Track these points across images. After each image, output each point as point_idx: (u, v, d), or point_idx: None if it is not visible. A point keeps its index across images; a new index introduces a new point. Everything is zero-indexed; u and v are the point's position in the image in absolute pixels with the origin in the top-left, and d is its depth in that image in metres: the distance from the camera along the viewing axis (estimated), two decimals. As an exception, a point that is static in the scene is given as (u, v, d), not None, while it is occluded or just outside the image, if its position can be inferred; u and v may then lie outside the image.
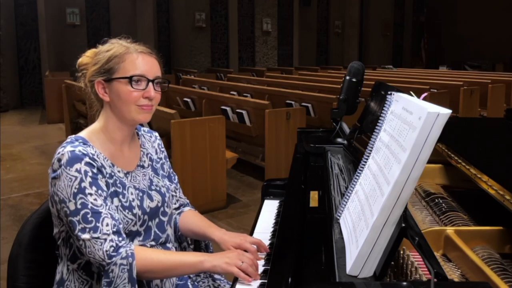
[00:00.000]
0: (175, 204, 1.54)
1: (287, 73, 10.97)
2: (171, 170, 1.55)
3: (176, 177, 1.56)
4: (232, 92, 6.59)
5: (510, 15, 15.56)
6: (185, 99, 6.06)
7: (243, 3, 12.93)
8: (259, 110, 4.64)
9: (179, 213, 1.54)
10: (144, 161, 1.43)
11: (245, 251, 1.33)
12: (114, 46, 1.33)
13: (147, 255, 1.24)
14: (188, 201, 1.59)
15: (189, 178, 3.82)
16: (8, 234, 3.39)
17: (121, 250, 1.20)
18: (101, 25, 10.95)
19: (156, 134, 1.55)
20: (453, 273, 1.07)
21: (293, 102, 5.41)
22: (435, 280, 0.83)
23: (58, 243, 1.32)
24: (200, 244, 1.58)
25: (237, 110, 4.86)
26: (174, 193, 1.53)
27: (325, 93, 5.61)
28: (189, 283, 1.45)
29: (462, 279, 1.05)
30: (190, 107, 5.99)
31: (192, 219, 1.52)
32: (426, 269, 1.00)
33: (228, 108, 5.04)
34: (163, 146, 1.54)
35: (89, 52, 1.38)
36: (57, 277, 1.32)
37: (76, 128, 6.70)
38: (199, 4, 11.55)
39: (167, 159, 1.54)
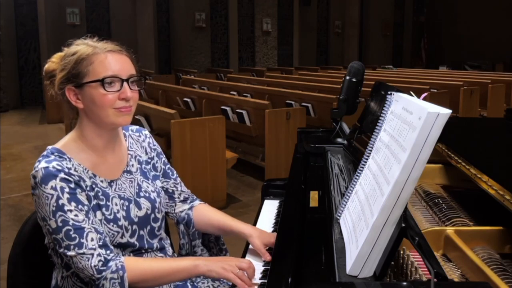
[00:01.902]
0: (178, 197, 1.49)
1: (287, 73, 10.97)
2: (167, 166, 1.48)
3: (175, 171, 1.50)
4: (232, 92, 6.58)
5: (510, 15, 15.55)
6: (185, 99, 6.05)
7: (243, 3, 12.92)
8: (259, 110, 4.64)
9: (190, 208, 1.49)
10: (132, 165, 1.37)
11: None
12: (80, 48, 1.24)
13: (139, 265, 1.20)
14: (193, 194, 1.54)
15: (189, 178, 3.81)
16: (8, 234, 3.39)
17: (111, 263, 1.16)
18: (101, 25, 10.95)
19: (146, 132, 1.48)
20: (453, 273, 1.07)
21: (293, 102, 5.41)
22: (435, 280, 0.83)
23: (49, 252, 1.29)
24: (210, 238, 1.53)
25: (237, 110, 4.86)
26: (174, 188, 1.48)
27: (325, 93, 5.62)
28: (188, 284, 1.43)
29: (462, 279, 1.04)
30: (190, 107, 5.98)
31: (209, 213, 1.48)
32: (426, 269, 1.00)
33: (228, 108, 5.04)
34: (154, 143, 1.47)
35: (55, 57, 1.29)
36: (53, 282, 1.30)
37: (76, 128, 6.67)
38: (199, 4, 11.54)
39: (160, 156, 1.47)
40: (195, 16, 11.45)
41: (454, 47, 16.93)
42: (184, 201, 1.51)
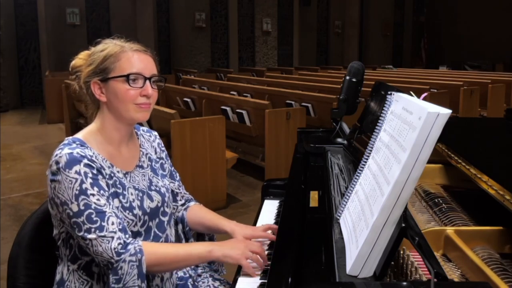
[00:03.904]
0: (180, 200, 1.56)
1: (287, 73, 10.97)
2: (172, 168, 1.55)
3: (178, 174, 1.57)
4: (232, 92, 6.58)
5: (510, 15, 15.55)
6: (185, 99, 6.06)
7: (243, 3, 12.92)
8: (259, 110, 4.64)
9: (185, 209, 1.56)
10: (143, 161, 1.43)
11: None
12: (109, 45, 1.32)
13: (156, 250, 1.25)
14: (192, 196, 1.60)
15: (189, 178, 3.81)
16: (8, 234, 3.39)
17: (130, 247, 1.20)
18: (101, 25, 10.95)
19: (156, 133, 1.55)
20: (453, 273, 1.07)
21: (293, 102, 5.41)
22: (435, 280, 0.83)
23: (58, 244, 1.32)
24: (204, 239, 1.60)
25: (237, 110, 4.86)
26: (178, 190, 1.55)
27: (325, 93, 5.61)
28: (189, 283, 1.45)
29: (462, 279, 1.05)
30: (190, 107, 5.99)
31: (200, 213, 1.54)
32: (426, 269, 1.00)
33: (228, 108, 5.04)
34: (163, 145, 1.54)
35: (82, 54, 1.37)
36: (57, 277, 1.32)
37: (76, 128, 6.69)
38: (199, 4, 11.55)
39: (168, 158, 1.54)
40: (195, 16, 11.46)
41: (454, 47, 16.93)
42: (184, 203, 1.58)
